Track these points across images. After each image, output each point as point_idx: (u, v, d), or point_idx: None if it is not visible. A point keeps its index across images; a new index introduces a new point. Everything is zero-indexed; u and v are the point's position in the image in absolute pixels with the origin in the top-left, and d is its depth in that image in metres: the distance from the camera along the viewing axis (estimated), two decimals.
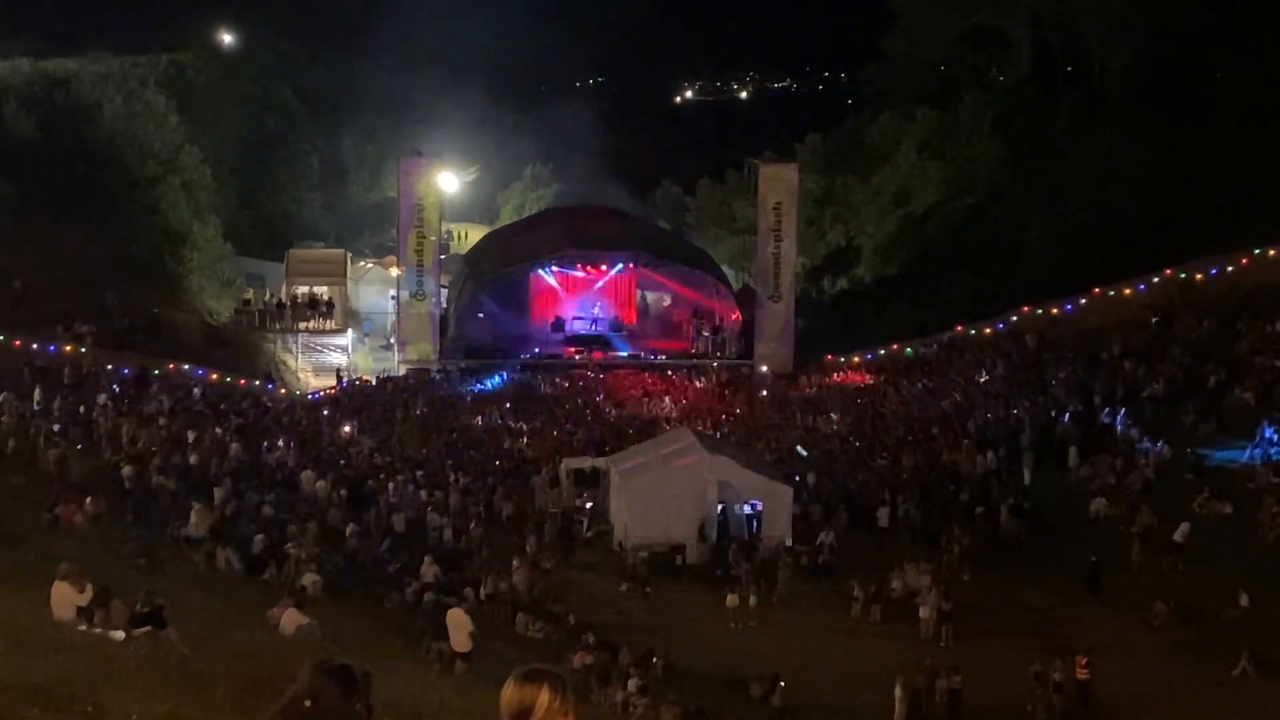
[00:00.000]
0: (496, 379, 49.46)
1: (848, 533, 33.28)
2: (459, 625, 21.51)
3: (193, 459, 33.39)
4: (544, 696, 4.77)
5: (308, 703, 4.93)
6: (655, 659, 24.13)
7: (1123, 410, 37.72)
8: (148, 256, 52.58)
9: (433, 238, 52.58)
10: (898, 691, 23.10)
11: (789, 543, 31.98)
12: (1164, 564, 29.19)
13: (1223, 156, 50.28)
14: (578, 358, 52.26)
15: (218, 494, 30.90)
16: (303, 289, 54.92)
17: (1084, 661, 23.82)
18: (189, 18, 78.58)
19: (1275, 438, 33.42)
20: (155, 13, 79.42)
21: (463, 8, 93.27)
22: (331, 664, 5.16)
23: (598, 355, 52.71)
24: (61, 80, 58.64)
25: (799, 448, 41.62)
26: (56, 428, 33.32)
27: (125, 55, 65.21)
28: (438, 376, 49.96)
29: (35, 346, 40.08)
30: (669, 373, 51.13)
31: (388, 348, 56.05)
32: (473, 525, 32.62)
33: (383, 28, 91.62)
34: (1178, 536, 29.69)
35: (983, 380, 44.40)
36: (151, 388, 39.87)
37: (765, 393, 48.88)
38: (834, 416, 44.18)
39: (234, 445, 35.08)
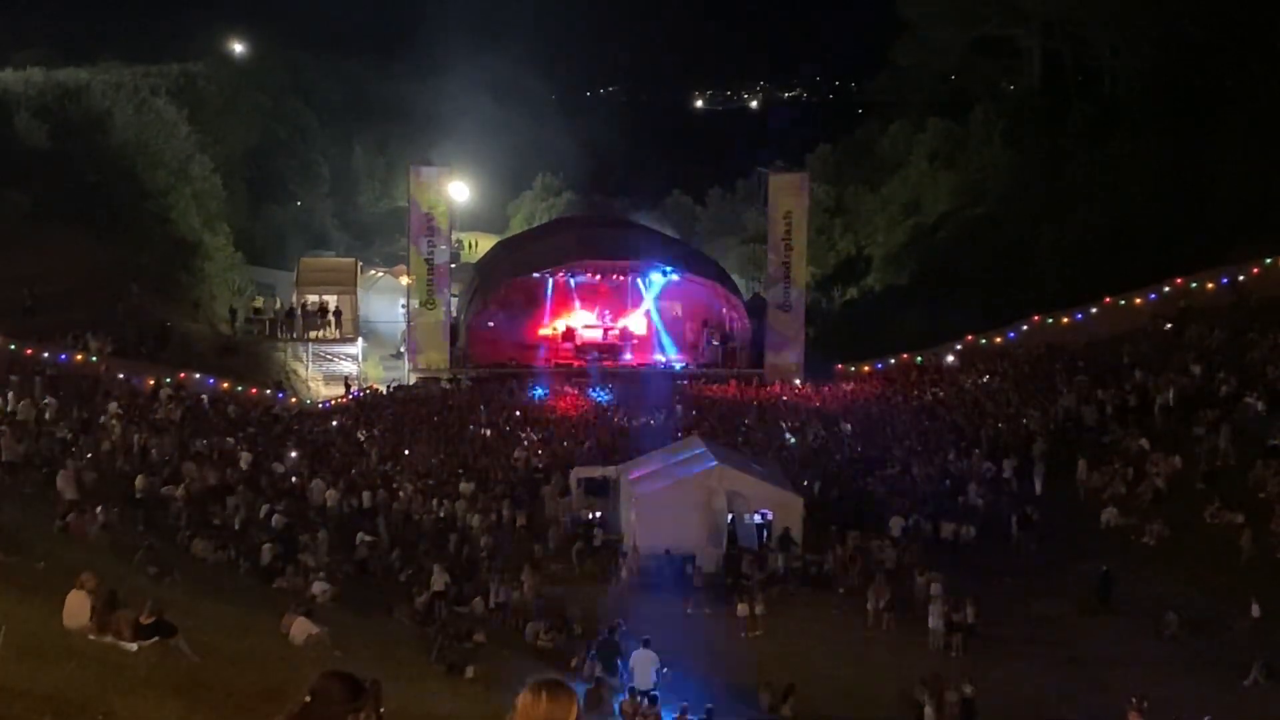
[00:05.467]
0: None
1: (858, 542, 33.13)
2: (645, 663, 22.12)
3: (203, 468, 33.44)
4: (575, 711, 4.73)
5: (308, 699, 4.96)
6: (664, 669, 24.07)
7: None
8: (159, 266, 52.73)
9: (443, 246, 52.62)
10: (925, 706, 22.84)
11: (799, 553, 31.90)
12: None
13: (1234, 166, 50.14)
14: (588, 366, 52.18)
15: (229, 503, 31.00)
16: (313, 298, 55.01)
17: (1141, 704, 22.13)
18: (200, 28, 79.02)
19: None
20: (166, 23, 79.92)
21: (473, 17, 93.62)
22: (340, 670, 5.19)
23: (608, 364, 52.66)
24: (73, 90, 58.83)
25: (789, 435, 41.51)
26: (67, 436, 33.39)
27: (136, 65, 65.53)
28: (448, 385, 49.95)
29: (46, 355, 40.18)
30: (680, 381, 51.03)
31: (398, 356, 56.08)
32: (482, 534, 32.61)
33: (393, 37, 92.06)
34: None
35: (993, 390, 44.29)
36: (162, 396, 39.93)
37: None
38: (846, 426, 44.09)
39: (244, 454, 35.14)
